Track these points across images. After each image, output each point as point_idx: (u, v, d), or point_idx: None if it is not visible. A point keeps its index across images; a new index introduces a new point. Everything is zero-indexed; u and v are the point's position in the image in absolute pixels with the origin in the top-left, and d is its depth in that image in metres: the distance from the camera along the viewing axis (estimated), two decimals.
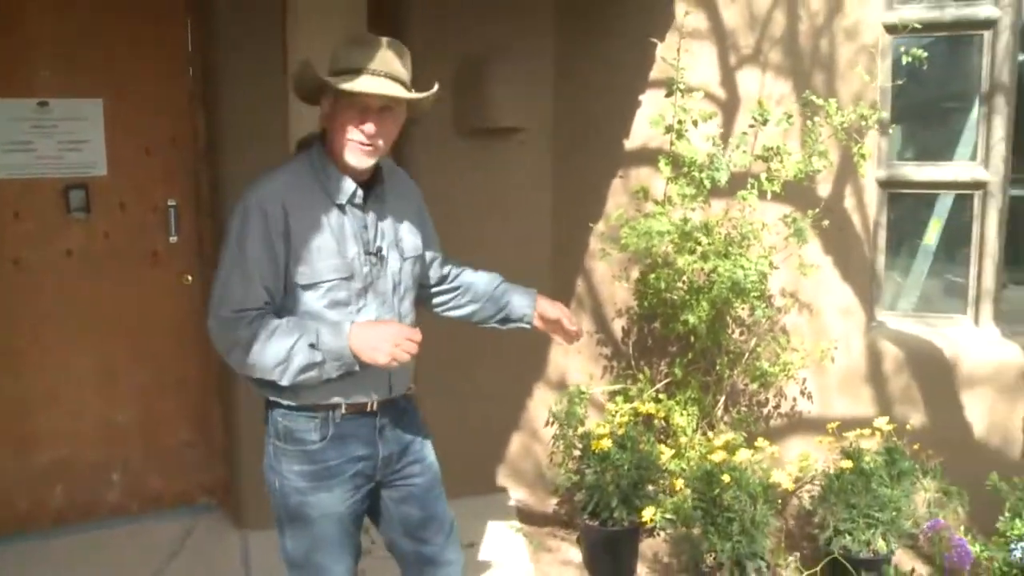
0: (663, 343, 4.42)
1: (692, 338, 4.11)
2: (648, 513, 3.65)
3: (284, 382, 2.19)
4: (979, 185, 4.13)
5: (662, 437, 4.16)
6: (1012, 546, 3.27)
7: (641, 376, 4.25)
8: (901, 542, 3.68)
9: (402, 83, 2.22)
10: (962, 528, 3.53)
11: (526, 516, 4.39)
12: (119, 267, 4.03)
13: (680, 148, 3.86)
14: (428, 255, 2.54)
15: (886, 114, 3.87)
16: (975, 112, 4.17)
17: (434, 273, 2.61)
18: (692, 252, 3.89)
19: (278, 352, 2.16)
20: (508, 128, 4.21)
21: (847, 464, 3.66)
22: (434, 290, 2.64)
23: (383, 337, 2.17)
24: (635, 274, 4.29)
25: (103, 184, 3.96)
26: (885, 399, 4.20)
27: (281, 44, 3.93)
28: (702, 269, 3.89)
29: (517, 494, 4.56)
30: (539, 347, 4.49)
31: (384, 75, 2.17)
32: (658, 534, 4.13)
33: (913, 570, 3.46)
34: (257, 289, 2.19)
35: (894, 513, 3.58)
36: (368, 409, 2.34)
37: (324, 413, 2.29)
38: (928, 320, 4.32)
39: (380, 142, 2.23)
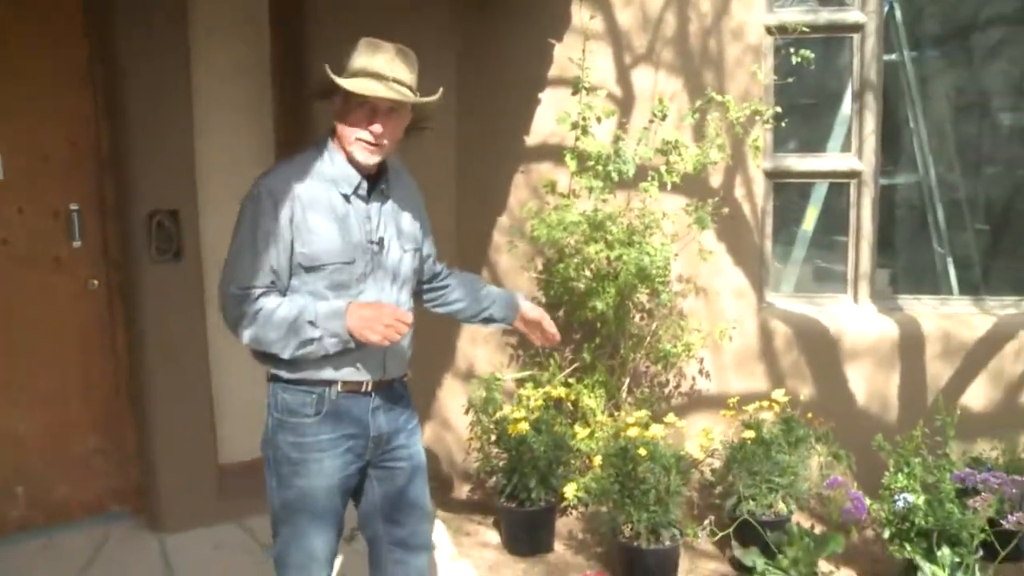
0: (568, 330, 4.60)
1: (599, 324, 4.32)
2: (570, 490, 3.82)
3: (285, 355, 2.34)
4: (854, 174, 4.50)
5: (572, 419, 4.34)
6: (896, 497, 3.61)
7: (551, 362, 4.43)
8: (798, 504, 3.97)
9: (408, 87, 2.37)
10: (853, 486, 3.83)
11: (442, 503, 4.50)
12: (19, 273, 3.92)
13: (585, 143, 4.05)
14: (425, 251, 2.67)
15: (779, 109, 4.17)
16: (846, 107, 4.53)
17: (427, 270, 2.73)
18: (599, 241, 4.08)
19: (279, 327, 2.31)
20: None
21: (750, 434, 3.93)
22: (426, 286, 2.77)
23: (376, 317, 2.31)
24: (540, 265, 4.46)
25: None
26: (778, 374, 4.51)
27: (185, 53, 3.91)
28: (608, 257, 4.09)
29: (433, 482, 4.65)
30: (447, 338, 4.62)
31: (392, 80, 2.34)
32: (571, 512, 4.33)
33: (812, 526, 3.75)
34: (264, 269, 2.33)
35: (792, 477, 3.87)
36: (363, 389, 2.46)
37: (321, 389, 2.42)
38: (813, 299, 4.67)
39: (386, 141, 2.39)
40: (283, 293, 2.37)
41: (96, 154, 3.98)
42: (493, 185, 4.60)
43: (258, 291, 2.33)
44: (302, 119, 4.25)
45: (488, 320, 2.83)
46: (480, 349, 4.70)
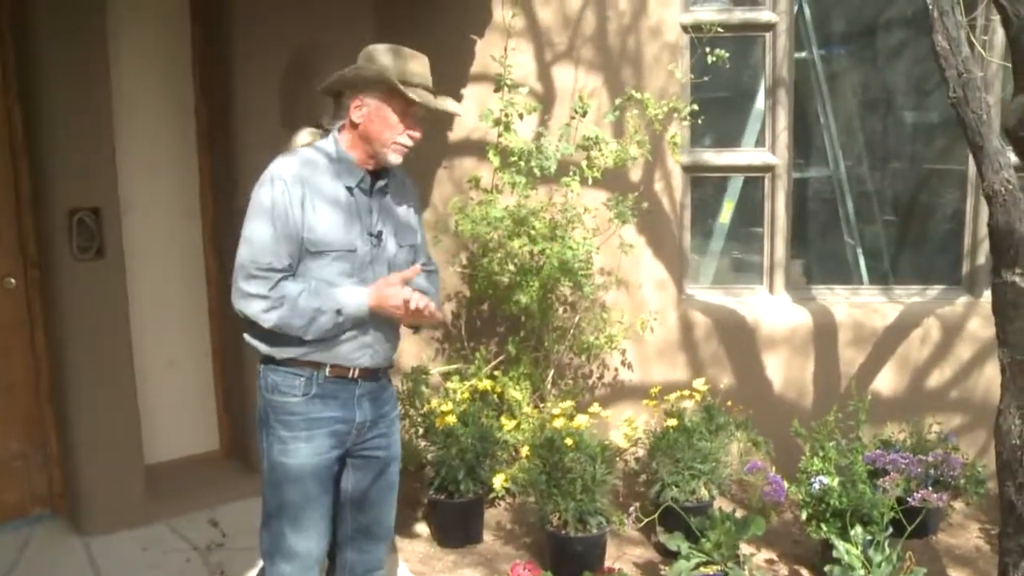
0: (492, 324, 4.68)
1: (523, 317, 4.39)
2: (498, 481, 3.88)
3: (308, 337, 2.46)
4: (768, 168, 4.65)
5: (499, 412, 4.40)
6: (812, 480, 3.75)
7: (477, 356, 4.48)
8: (720, 489, 4.10)
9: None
10: (772, 470, 3.97)
11: None
12: None
13: (508, 139, 4.11)
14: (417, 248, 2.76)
15: (696, 106, 4.28)
16: (760, 103, 4.67)
17: None
18: (522, 236, 4.15)
19: (304, 312, 2.43)
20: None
21: (672, 422, 4.03)
22: None
23: (393, 303, 2.48)
24: (464, 260, 4.51)
25: None
26: (698, 363, 4.64)
27: (103, 49, 3.85)
28: (532, 252, 4.16)
29: None
30: None
31: (432, 91, 2.52)
32: (498, 503, 4.39)
33: (734, 511, 3.88)
34: (283, 248, 2.43)
35: (714, 464, 3.99)
36: (350, 376, 2.57)
37: (309, 371, 2.53)
38: (730, 290, 4.82)
39: None
40: (294, 273, 2.47)
41: (10, 149, 3.89)
42: (416, 180, 4.60)
43: (278, 275, 2.43)
44: (225, 117, 4.23)
45: None
46: (406, 343, 4.72)
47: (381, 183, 2.58)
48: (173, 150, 4.34)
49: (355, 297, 2.47)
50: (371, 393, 2.63)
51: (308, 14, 4.21)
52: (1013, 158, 3.15)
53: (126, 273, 3.99)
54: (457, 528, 4.12)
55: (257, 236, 2.43)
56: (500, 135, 4.16)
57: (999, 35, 4.35)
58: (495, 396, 4.41)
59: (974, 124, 3.20)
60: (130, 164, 4.06)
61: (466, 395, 4.23)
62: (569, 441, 3.76)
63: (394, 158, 2.52)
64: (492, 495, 4.22)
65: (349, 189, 2.50)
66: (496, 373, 4.45)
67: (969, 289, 4.70)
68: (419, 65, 2.51)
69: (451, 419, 4.02)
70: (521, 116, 4.15)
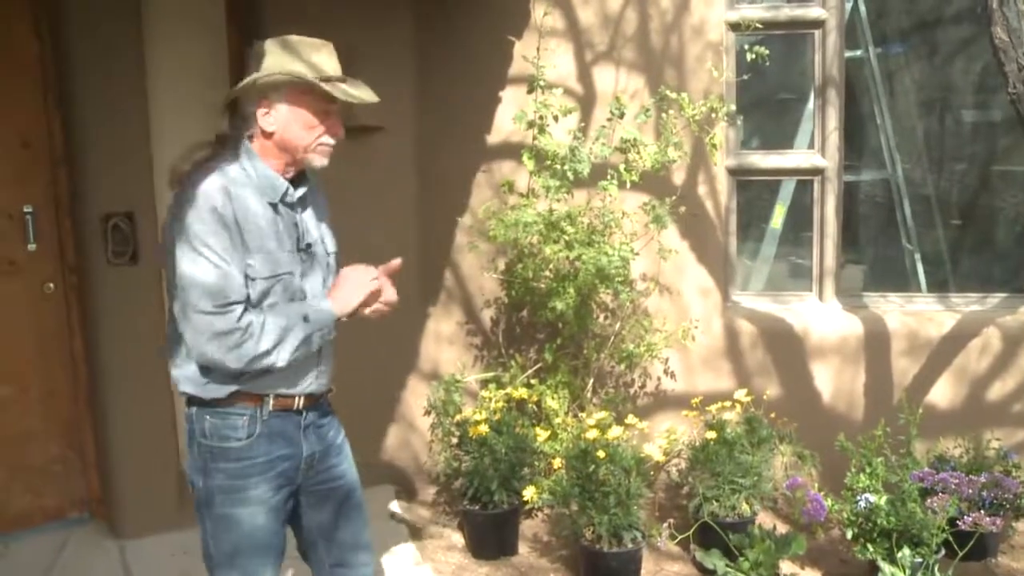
0: (531, 330, 4.58)
1: (560, 324, 4.29)
2: (529, 493, 3.79)
3: (280, 364, 2.23)
4: (817, 171, 4.47)
5: (535, 421, 4.31)
6: (858, 498, 3.58)
7: (513, 363, 4.39)
8: (763, 504, 3.95)
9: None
10: (816, 486, 3.80)
11: (407, 506, 4.46)
12: None
13: (543, 142, 4.02)
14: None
15: (733, 106, 4.13)
16: (811, 104, 4.50)
17: None
18: (557, 241, 4.05)
19: (271, 334, 2.21)
20: (370, 126, 4.25)
21: (712, 435, 3.89)
22: None
23: (358, 297, 2.34)
24: (502, 265, 4.43)
25: None
26: (743, 373, 4.49)
27: (138, 53, 3.87)
28: (567, 257, 4.06)
29: (397, 485, 4.62)
30: (409, 339, 4.58)
31: (344, 79, 2.28)
32: (536, 514, 4.30)
33: (775, 527, 3.72)
34: (234, 278, 2.19)
35: (756, 478, 3.84)
36: (295, 407, 2.37)
37: (252, 409, 2.31)
38: (778, 297, 4.65)
39: None
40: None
41: (50, 155, 3.94)
42: (455, 185, 4.56)
43: (238, 307, 2.18)
44: None
45: None
46: (444, 351, 4.66)
47: (301, 191, 2.36)
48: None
49: (320, 306, 2.29)
50: (315, 423, 2.45)
51: (345, 15, 4.16)
52: None
53: (161, 277, 4.00)
54: (491, 539, 4.04)
55: (203, 271, 2.16)
56: (535, 138, 4.06)
57: None
58: (532, 405, 4.32)
59: None
60: (165, 169, 4.06)
61: (500, 404, 4.14)
62: (601, 454, 3.65)
63: (319, 161, 2.30)
64: (528, 506, 4.13)
65: (273, 206, 2.27)
66: (533, 381, 4.36)
67: None
68: (327, 54, 2.28)
69: (483, 428, 3.94)
70: (556, 118, 4.05)
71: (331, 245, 2.48)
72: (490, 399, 4.15)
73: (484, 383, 4.40)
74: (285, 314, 2.23)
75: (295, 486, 2.45)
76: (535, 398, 4.27)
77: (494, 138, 4.49)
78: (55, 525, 4.11)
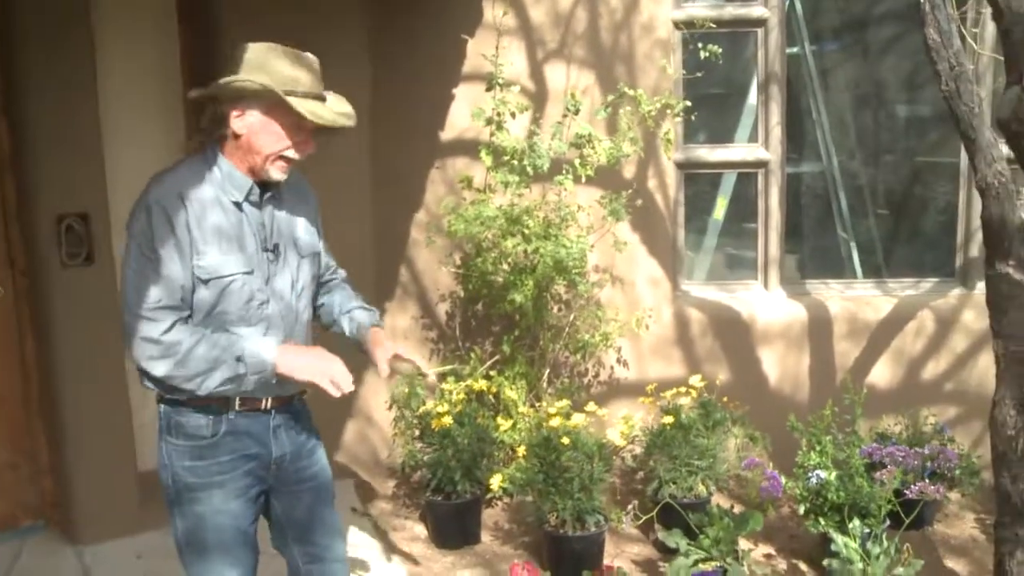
0: (487, 323, 4.66)
1: (518, 316, 4.37)
2: (496, 481, 3.87)
3: (201, 392, 2.22)
4: (762, 164, 4.65)
5: (494, 412, 4.39)
6: (809, 475, 3.75)
7: (472, 356, 4.46)
8: (718, 485, 4.09)
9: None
10: (770, 465, 3.97)
11: (368, 500, 4.50)
12: None
13: (500, 138, 4.10)
14: (323, 258, 2.60)
15: (689, 103, 4.28)
16: (753, 99, 4.67)
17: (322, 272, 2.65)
18: (515, 235, 4.14)
19: (200, 362, 2.19)
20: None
21: (669, 419, 4.03)
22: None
23: (312, 362, 2.26)
24: (457, 260, 4.50)
25: None
26: (694, 359, 4.64)
27: (89, 51, 3.81)
28: (526, 251, 4.14)
29: (357, 480, 4.65)
30: None
31: (323, 97, 2.29)
32: (496, 503, 4.38)
33: (732, 507, 3.88)
34: (173, 285, 2.19)
35: (711, 460, 3.99)
36: (263, 407, 2.37)
37: (217, 409, 2.31)
38: (725, 286, 4.82)
39: None
40: (190, 312, 2.23)
41: None
42: (409, 181, 4.62)
43: (172, 315, 2.19)
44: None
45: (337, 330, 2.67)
46: (401, 345, 4.68)
47: (270, 192, 2.34)
48: (164, 156, 4.29)
49: (262, 348, 2.22)
50: (287, 423, 2.43)
51: (300, 17, 4.17)
52: (1005, 150, 3.15)
53: (116, 279, 3.96)
54: (454, 529, 4.11)
55: (141, 278, 2.17)
56: (492, 134, 4.14)
57: (989, 28, 4.36)
58: (491, 396, 4.40)
59: (966, 117, 3.20)
60: (119, 169, 4.03)
61: (462, 396, 4.21)
62: (566, 440, 3.75)
63: (276, 174, 2.27)
64: (489, 495, 4.21)
65: (238, 205, 2.27)
66: (492, 373, 4.44)
67: (962, 281, 4.71)
68: (307, 70, 2.26)
69: (447, 420, 4.00)
70: (513, 115, 4.14)
71: (307, 247, 2.46)
72: (452, 391, 4.22)
73: (443, 376, 4.47)
74: (220, 346, 2.20)
75: (265, 486, 2.45)
76: (494, 389, 4.35)
77: (448, 135, 4.56)
78: (8, 535, 4.02)
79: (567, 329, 4.49)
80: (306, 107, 2.19)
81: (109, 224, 3.89)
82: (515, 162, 4.07)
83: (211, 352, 2.19)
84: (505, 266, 4.27)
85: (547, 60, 4.49)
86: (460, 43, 4.37)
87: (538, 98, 4.49)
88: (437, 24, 4.45)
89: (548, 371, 4.55)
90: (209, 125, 2.29)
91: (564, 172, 4.16)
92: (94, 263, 3.85)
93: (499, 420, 4.23)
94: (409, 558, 3.95)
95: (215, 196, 2.25)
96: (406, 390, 4.17)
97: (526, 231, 4.10)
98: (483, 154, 4.14)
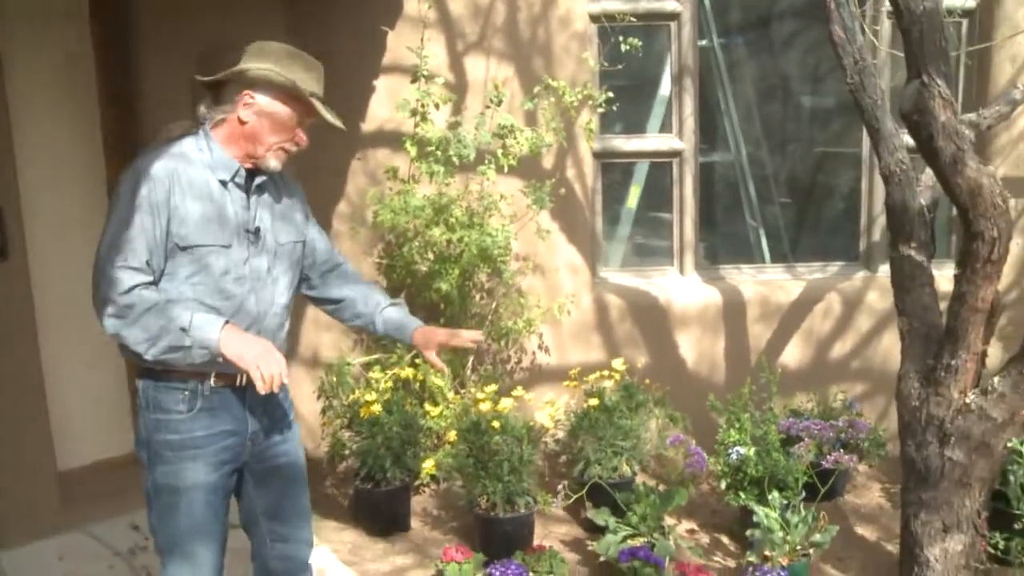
0: (411, 313, 4.68)
1: (443, 305, 4.43)
2: (427, 466, 3.92)
3: (147, 356, 2.27)
4: (676, 153, 4.80)
5: (420, 400, 4.43)
6: (729, 451, 3.92)
7: (397, 345, 4.49)
8: (641, 465, 4.23)
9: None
10: (692, 443, 4.11)
11: None
12: None
13: (425, 129, 4.14)
14: (319, 246, 2.68)
15: (611, 93, 4.39)
16: (666, 90, 4.82)
17: (327, 260, 2.73)
18: (439, 224, 4.19)
19: (149, 327, 2.24)
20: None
21: (594, 402, 4.14)
22: (315, 282, 2.74)
23: (252, 350, 2.27)
24: (379, 250, 4.52)
25: None
26: (614, 344, 4.77)
27: None
28: (450, 240, 4.20)
29: None
30: (291, 325, 4.59)
31: (323, 100, 2.44)
32: (423, 490, 4.44)
33: (657, 485, 4.01)
34: (139, 246, 2.26)
35: (635, 440, 4.11)
36: (238, 383, 2.42)
37: (194, 384, 2.37)
38: (642, 272, 4.96)
39: None
40: (158, 278, 2.30)
41: None
42: (330, 173, 4.61)
43: (132, 278, 2.25)
44: (129, 111, 4.13)
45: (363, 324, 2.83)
46: (324, 335, 4.72)
47: (259, 179, 2.45)
48: (79, 149, 4.22)
49: (208, 325, 2.26)
50: (262, 401, 2.48)
51: (216, 8, 4.14)
52: (907, 139, 3.35)
53: (31, 273, 3.87)
54: (385, 517, 4.15)
55: (115, 234, 2.27)
56: (417, 125, 4.18)
57: (886, 25, 4.61)
58: (417, 384, 4.44)
59: (870, 108, 3.40)
60: (33, 164, 3.94)
61: (389, 384, 4.25)
62: (496, 424, 3.83)
63: (274, 164, 2.42)
64: (417, 483, 4.26)
65: (223, 183, 2.38)
66: (417, 361, 4.47)
67: (866, 264, 4.94)
68: (317, 74, 2.45)
69: (376, 408, 4.04)
70: (437, 106, 4.19)
71: (291, 234, 2.54)
72: (379, 380, 4.25)
73: (368, 365, 4.49)
74: (168, 316, 2.24)
75: (239, 463, 2.50)
76: (420, 377, 4.39)
77: (369, 126, 4.58)
78: None
79: (490, 317, 4.57)
80: (321, 107, 2.40)
81: (22, 219, 3.80)
82: (440, 152, 4.13)
83: (159, 320, 2.24)
84: (430, 255, 4.32)
85: (467, 52, 4.55)
86: (380, 35, 4.39)
87: (459, 90, 4.54)
88: (357, 16, 4.45)
89: (472, 358, 4.62)
90: (213, 106, 2.40)
91: (487, 162, 4.23)
92: (7, 258, 3.76)
93: (427, 407, 4.28)
94: (340, 547, 3.98)
95: (203, 172, 2.36)
96: (335, 379, 4.18)
97: (451, 220, 4.16)
98: (408, 145, 4.18)
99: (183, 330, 2.24)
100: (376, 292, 2.83)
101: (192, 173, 2.33)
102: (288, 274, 2.56)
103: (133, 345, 2.26)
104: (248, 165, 2.42)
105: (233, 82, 2.37)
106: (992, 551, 3.28)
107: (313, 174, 4.57)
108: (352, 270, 2.85)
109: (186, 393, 2.37)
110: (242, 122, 2.37)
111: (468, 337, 2.85)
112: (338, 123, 2.47)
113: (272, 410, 2.55)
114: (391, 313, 2.79)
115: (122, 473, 4.39)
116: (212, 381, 2.39)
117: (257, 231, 2.44)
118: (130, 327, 2.24)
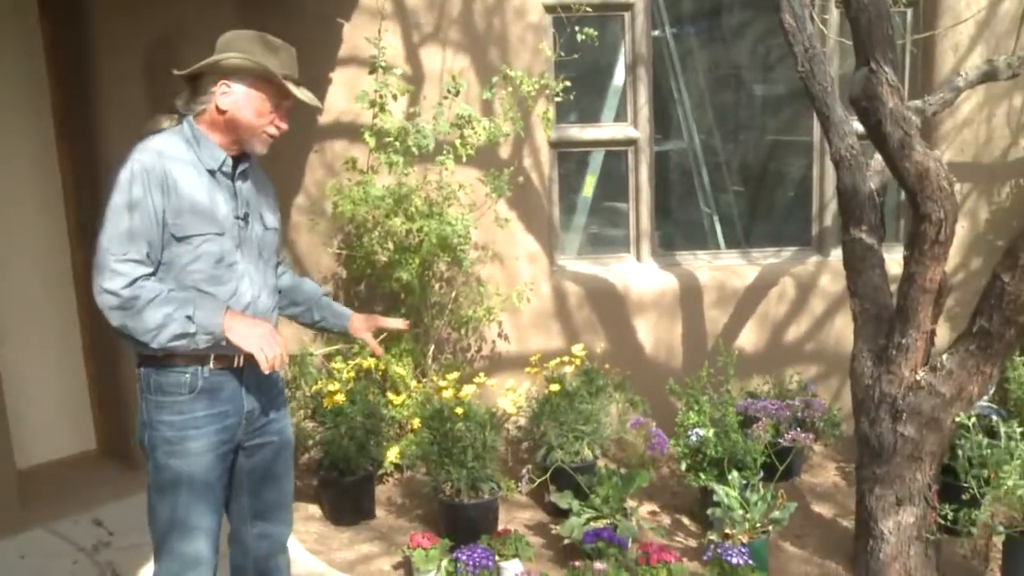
0: (370, 303, 4.72)
1: (403, 295, 4.45)
2: (392, 454, 3.94)
3: (154, 345, 2.34)
4: (631, 142, 4.87)
5: (382, 389, 4.46)
6: (689, 433, 3.99)
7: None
8: (602, 449, 4.29)
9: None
10: (653, 426, 4.19)
11: None
12: None
13: (384, 120, 4.16)
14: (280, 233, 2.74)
15: (568, 83, 4.44)
16: (620, 80, 4.88)
17: None
18: (399, 215, 4.21)
19: (154, 318, 2.31)
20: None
21: (555, 387, 4.19)
22: None
23: (255, 332, 2.37)
24: (338, 242, 4.53)
25: None
26: (573, 331, 4.83)
27: None
28: (410, 230, 4.23)
29: None
30: None
31: (297, 82, 2.49)
32: (387, 479, 4.46)
33: (619, 467, 4.08)
34: (139, 239, 2.32)
35: (596, 425, 4.18)
36: (235, 364, 2.49)
37: (193, 368, 2.45)
38: (600, 260, 5.02)
39: None
40: (156, 267, 2.38)
41: None
42: (288, 165, 4.61)
43: (137, 269, 2.32)
44: (85, 108, 4.09)
45: (322, 329, 2.99)
46: (284, 328, 4.67)
47: (243, 166, 2.53)
48: (28, 144, 4.18)
49: (211, 311, 2.36)
50: (257, 382, 2.55)
51: (170, 5, 4.11)
52: (856, 126, 3.44)
53: None
54: (350, 506, 4.17)
55: (114, 227, 2.33)
56: (375, 116, 4.19)
57: (835, 14, 4.70)
58: (379, 374, 4.46)
59: (821, 95, 3.48)
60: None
61: (351, 374, 4.27)
62: (459, 411, 3.87)
63: (260, 148, 2.50)
64: (381, 472, 4.28)
65: (211, 172, 2.45)
66: None
67: (819, 249, 5.05)
68: (289, 56, 2.50)
69: (340, 398, 4.05)
70: (395, 97, 4.21)
71: (271, 221, 2.63)
72: (342, 370, 4.26)
73: (330, 356, 4.51)
74: (173, 304, 2.33)
75: (235, 443, 2.57)
76: (382, 367, 4.42)
77: (326, 118, 4.58)
78: None
79: (450, 306, 4.60)
80: (295, 88, 2.45)
81: None
82: (398, 143, 4.15)
83: (163, 309, 2.32)
84: (390, 245, 4.34)
85: (424, 43, 4.57)
86: (336, 27, 4.40)
87: (415, 81, 4.57)
88: (312, 8, 4.46)
89: (432, 347, 4.65)
90: (192, 98, 2.46)
91: (445, 152, 4.26)
92: None
93: (390, 396, 4.31)
94: (306, 536, 3.99)
95: (192, 163, 2.43)
96: (297, 370, 4.19)
97: (411, 210, 4.19)
98: (366, 136, 4.19)
99: (188, 318, 2.33)
100: (308, 283, 2.91)
101: (183, 165, 2.40)
102: (275, 257, 2.67)
103: (139, 335, 2.32)
104: (233, 153, 2.49)
105: (209, 73, 2.43)
106: (942, 522, 3.38)
107: (272, 164, 4.56)
108: (288, 262, 2.94)
109: (187, 375, 2.45)
110: (221, 111, 2.44)
111: (402, 323, 2.98)
112: (316, 103, 2.53)
113: (268, 389, 2.63)
114: (326, 302, 2.90)
115: (83, 470, 4.38)
116: (211, 364, 2.46)
117: (245, 217, 2.51)
118: (135, 318, 2.31)
